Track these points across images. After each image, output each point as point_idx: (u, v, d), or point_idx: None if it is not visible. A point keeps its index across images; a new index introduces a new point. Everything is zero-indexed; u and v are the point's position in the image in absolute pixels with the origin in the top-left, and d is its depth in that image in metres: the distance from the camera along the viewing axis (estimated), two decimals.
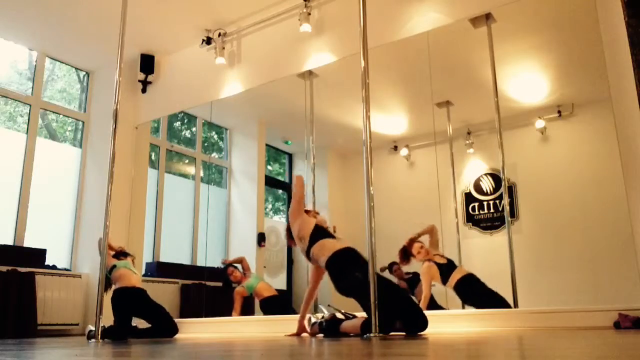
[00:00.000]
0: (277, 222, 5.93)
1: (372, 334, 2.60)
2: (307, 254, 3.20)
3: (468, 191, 4.42)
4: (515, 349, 1.59)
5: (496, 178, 4.29)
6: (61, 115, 5.80)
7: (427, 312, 3.01)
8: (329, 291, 3.14)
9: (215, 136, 6.30)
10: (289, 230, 3.36)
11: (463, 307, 3.83)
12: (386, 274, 4.33)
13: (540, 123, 4.15)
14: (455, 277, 3.82)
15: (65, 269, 5.30)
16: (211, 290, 5.34)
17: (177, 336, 4.04)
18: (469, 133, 4.48)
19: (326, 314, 3.22)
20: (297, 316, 3.39)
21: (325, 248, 3.10)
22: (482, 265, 4.18)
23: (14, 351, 2.24)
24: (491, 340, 2.06)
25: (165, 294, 5.22)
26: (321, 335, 3.12)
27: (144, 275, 5.18)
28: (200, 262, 5.62)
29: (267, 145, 5.89)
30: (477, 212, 4.34)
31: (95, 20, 4.96)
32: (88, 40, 5.33)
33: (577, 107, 4.02)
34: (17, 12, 4.81)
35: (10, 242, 4.95)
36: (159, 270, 5.44)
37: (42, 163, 5.32)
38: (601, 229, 3.74)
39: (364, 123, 2.92)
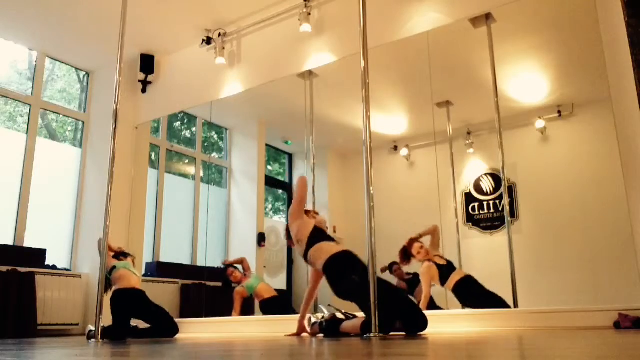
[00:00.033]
0: (277, 222, 5.93)
1: (372, 334, 2.60)
2: (305, 257, 3.21)
3: (468, 191, 4.42)
4: (515, 349, 1.59)
5: (496, 178, 4.29)
6: (61, 115, 5.80)
7: (427, 312, 3.01)
8: (329, 291, 3.14)
9: (215, 136, 6.30)
10: (288, 231, 3.36)
11: (463, 308, 3.83)
12: (387, 274, 4.34)
13: (540, 123, 4.15)
14: (453, 279, 3.82)
15: (65, 269, 5.30)
16: (211, 290, 5.34)
17: (177, 336, 4.04)
18: (469, 133, 4.48)
19: (326, 314, 3.22)
20: (297, 316, 3.39)
21: (323, 251, 3.10)
22: (482, 265, 4.18)
23: (14, 351, 2.24)
24: (491, 340, 2.06)
25: (165, 294, 5.22)
26: (321, 335, 3.13)
27: (144, 275, 5.18)
28: (200, 262, 5.62)
29: (267, 145, 5.89)
30: (477, 212, 4.34)
31: (95, 20, 4.96)
32: (88, 40, 5.33)
33: (577, 107, 4.02)
34: (17, 12, 4.81)
35: (10, 242, 4.95)
36: (159, 270, 5.44)
37: (42, 163, 5.32)
38: (601, 229, 3.74)
39: (364, 123, 2.92)
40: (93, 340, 3.44)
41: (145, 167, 5.80)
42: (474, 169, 4.46)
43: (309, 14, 4.57)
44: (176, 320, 4.18)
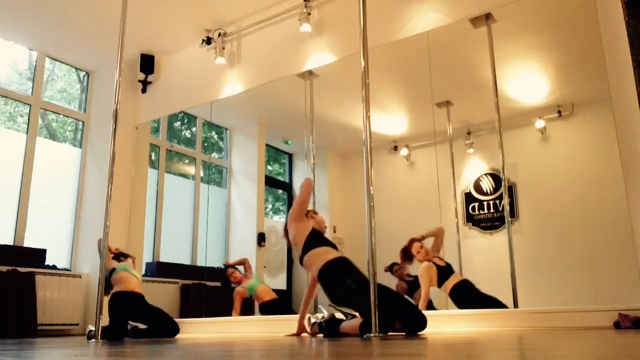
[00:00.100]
0: (277, 222, 5.92)
1: (371, 334, 2.60)
2: (300, 261, 3.22)
3: (468, 191, 4.42)
4: (515, 349, 1.59)
5: (496, 178, 4.29)
6: (61, 115, 5.80)
7: (426, 312, 3.01)
8: None
9: (215, 136, 6.30)
10: (286, 230, 3.36)
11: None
12: (387, 275, 4.33)
13: (540, 123, 4.15)
14: (450, 282, 3.81)
15: (65, 269, 5.30)
16: (211, 290, 5.34)
17: (177, 336, 4.04)
18: (469, 133, 4.48)
19: (326, 314, 3.22)
20: (297, 316, 3.39)
21: (318, 258, 3.11)
22: (482, 265, 4.18)
23: (14, 351, 2.24)
24: (491, 340, 2.06)
25: (165, 294, 5.22)
26: (321, 335, 3.13)
27: (144, 275, 5.17)
28: (200, 262, 5.62)
29: (267, 145, 5.89)
30: (477, 212, 4.34)
31: (95, 20, 4.96)
32: (88, 40, 5.33)
33: (577, 107, 4.02)
34: (17, 12, 4.81)
35: (10, 242, 4.95)
36: (159, 270, 5.44)
37: (42, 163, 5.32)
38: (601, 229, 3.74)
39: (364, 123, 2.92)
40: (93, 340, 3.44)
41: (145, 167, 5.80)
42: (474, 169, 4.46)
43: (309, 14, 4.57)
44: (176, 320, 4.18)
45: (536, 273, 3.90)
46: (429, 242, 4.07)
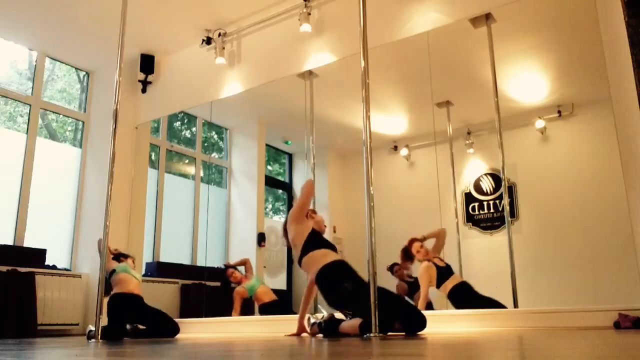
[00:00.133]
0: (277, 222, 5.92)
1: (371, 334, 2.60)
2: (299, 262, 3.23)
3: (468, 191, 4.42)
4: (515, 349, 1.58)
5: (496, 178, 4.29)
6: (61, 115, 5.80)
7: (426, 313, 3.01)
8: None
9: (215, 136, 6.30)
10: (285, 230, 3.36)
11: None
12: (388, 275, 4.33)
13: (540, 123, 4.15)
14: (450, 284, 3.81)
15: (65, 269, 5.30)
16: (211, 290, 5.34)
17: (177, 336, 4.04)
18: (469, 133, 4.48)
19: (325, 314, 3.22)
20: (297, 316, 3.39)
21: (315, 261, 3.11)
22: (482, 265, 4.18)
23: (14, 351, 2.24)
24: (491, 340, 2.06)
25: (165, 294, 5.22)
26: (320, 335, 3.12)
27: (144, 275, 5.17)
28: (200, 262, 5.62)
29: (267, 145, 5.89)
30: (477, 212, 4.34)
31: (95, 20, 4.96)
32: (88, 40, 5.33)
33: (577, 107, 4.02)
34: (17, 12, 4.81)
35: (10, 242, 4.95)
36: (159, 270, 5.44)
37: (42, 163, 5.32)
38: (601, 229, 3.74)
39: (364, 123, 2.92)
40: (93, 340, 3.44)
41: (145, 167, 5.80)
42: (474, 169, 4.46)
43: (309, 14, 4.57)
44: (176, 320, 4.19)
45: (536, 273, 3.90)
46: (430, 243, 4.07)
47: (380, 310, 2.62)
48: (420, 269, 4.00)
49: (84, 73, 5.97)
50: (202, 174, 6.07)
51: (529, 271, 3.82)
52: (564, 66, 4.22)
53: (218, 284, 5.15)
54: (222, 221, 5.80)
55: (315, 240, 3.20)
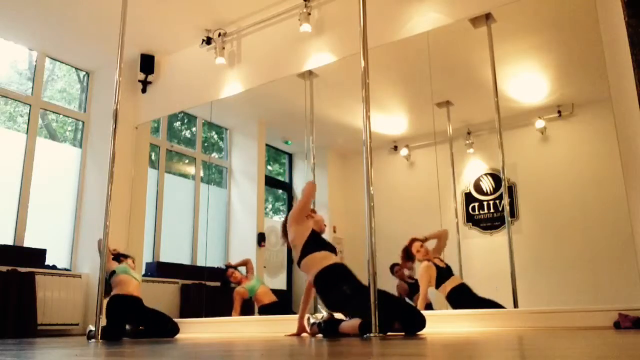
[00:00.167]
0: (277, 222, 5.90)
1: (371, 334, 2.60)
2: (298, 264, 3.23)
3: (468, 191, 4.42)
4: (515, 349, 1.58)
5: (496, 178, 4.29)
6: (61, 115, 5.80)
7: (426, 313, 3.01)
8: None
9: (215, 136, 6.30)
10: (284, 229, 3.36)
11: None
12: (388, 275, 4.33)
13: (540, 123, 4.15)
14: (449, 285, 3.81)
15: (65, 269, 5.30)
16: (211, 290, 5.34)
17: (177, 336, 4.04)
18: (469, 133, 4.48)
19: (325, 314, 3.22)
20: (297, 316, 3.39)
21: (315, 264, 3.11)
22: (482, 265, 4.18)
23: (14, 351, 2.24)
24: (491, 340, 2.06)
25: (165, 294, 5.22)
26: (320, 335, 3.12)
27: (144, 275, 5.17)
28: (200, 262, 5.62)
29: (267, 145, 5.89)
30: (477, 212, 4.34)
31: (95, 20, 4.96)
32: (88, 40, 5.33)
33: (577, 107, 4.02)
34: (17, 12, 4.81)
35: (10, 242, 4.95)
36: (159, 270, 5.44)
37: (42, 163, 5.32)
38: (601, 229, 3.74)
39: (364, 123, 2.92)
40: (93, 340, 3.44)
41: (145, 167, 5.80)
42: (474, 169, 4.46)
43: (309, 14, 4.57)
44: (176, 320, 4.18)
45: (536, 273, 3.90)
46: (431, 244, 4.07)
47: (380, 310, 2.62)
48: (420, 269, 4.00)
49: (84, 73, 5.97)
50: (202, 174, 6.07)
51: (529, 271, 3.82)
52: (564, 66, 4.22)
53: (218, 284, 5.15)
54: (222, 221, 5.80)
55: (315, 241, 3.20)
